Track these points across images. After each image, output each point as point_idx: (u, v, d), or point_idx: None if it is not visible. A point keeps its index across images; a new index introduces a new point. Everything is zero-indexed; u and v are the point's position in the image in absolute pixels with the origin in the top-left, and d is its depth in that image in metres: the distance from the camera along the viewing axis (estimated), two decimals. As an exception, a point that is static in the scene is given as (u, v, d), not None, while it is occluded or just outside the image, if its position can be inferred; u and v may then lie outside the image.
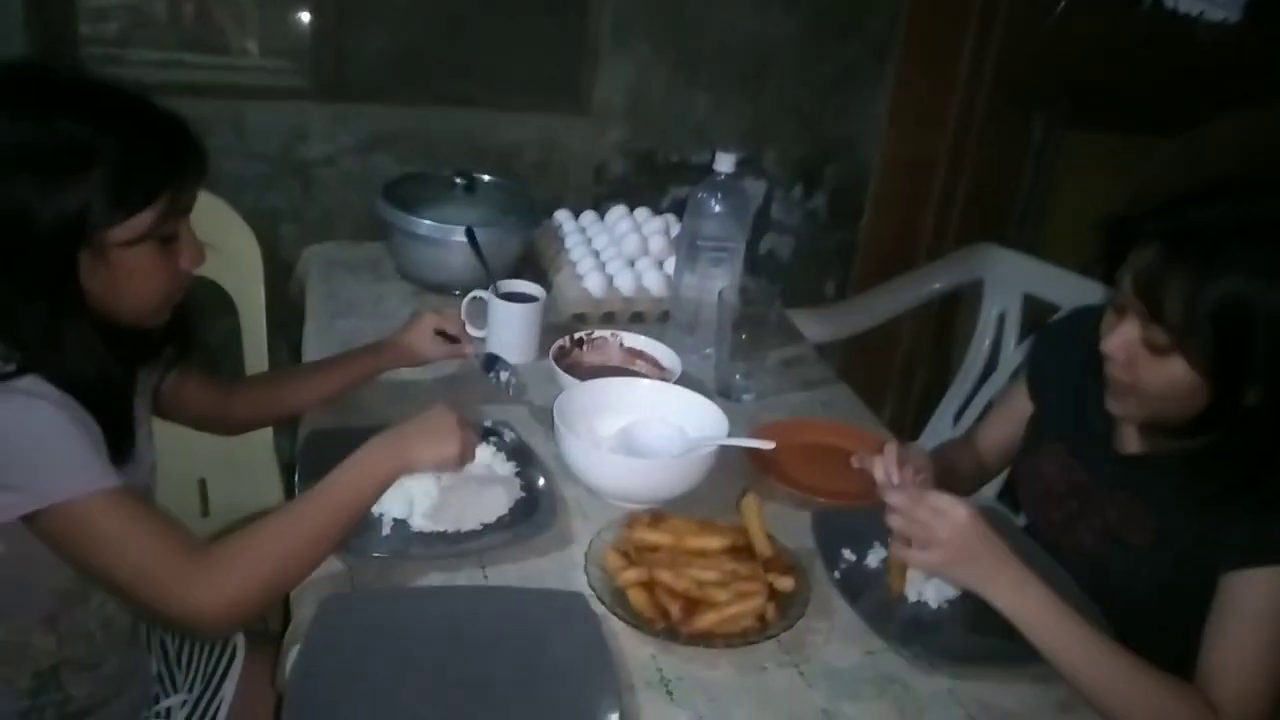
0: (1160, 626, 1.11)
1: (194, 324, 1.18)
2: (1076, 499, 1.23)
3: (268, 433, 1.80)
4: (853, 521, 1.24)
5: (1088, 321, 1.16)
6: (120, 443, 1.00)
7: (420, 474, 1.21)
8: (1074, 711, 1.05)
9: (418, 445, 1.10)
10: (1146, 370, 1.06)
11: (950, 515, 1.06)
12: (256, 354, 1.91)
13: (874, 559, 1.21)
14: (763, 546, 1.15)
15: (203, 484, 1.77)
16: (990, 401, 2.06)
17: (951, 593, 1.15)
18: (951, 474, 1.36)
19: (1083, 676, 1.03)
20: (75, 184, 0.93)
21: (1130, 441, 1.20)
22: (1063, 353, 1.29)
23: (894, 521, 1.09)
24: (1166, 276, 1.00)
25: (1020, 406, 1.37)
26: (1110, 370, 1.10)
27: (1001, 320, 2.21)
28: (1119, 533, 1.18)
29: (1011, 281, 2.19)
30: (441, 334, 1.43)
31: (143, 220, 0.98)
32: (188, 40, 2.13)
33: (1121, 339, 1.06)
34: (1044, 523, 1.29)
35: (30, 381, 0.93)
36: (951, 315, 2.64)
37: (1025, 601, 1.05)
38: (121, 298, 1.01)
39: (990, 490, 1.67)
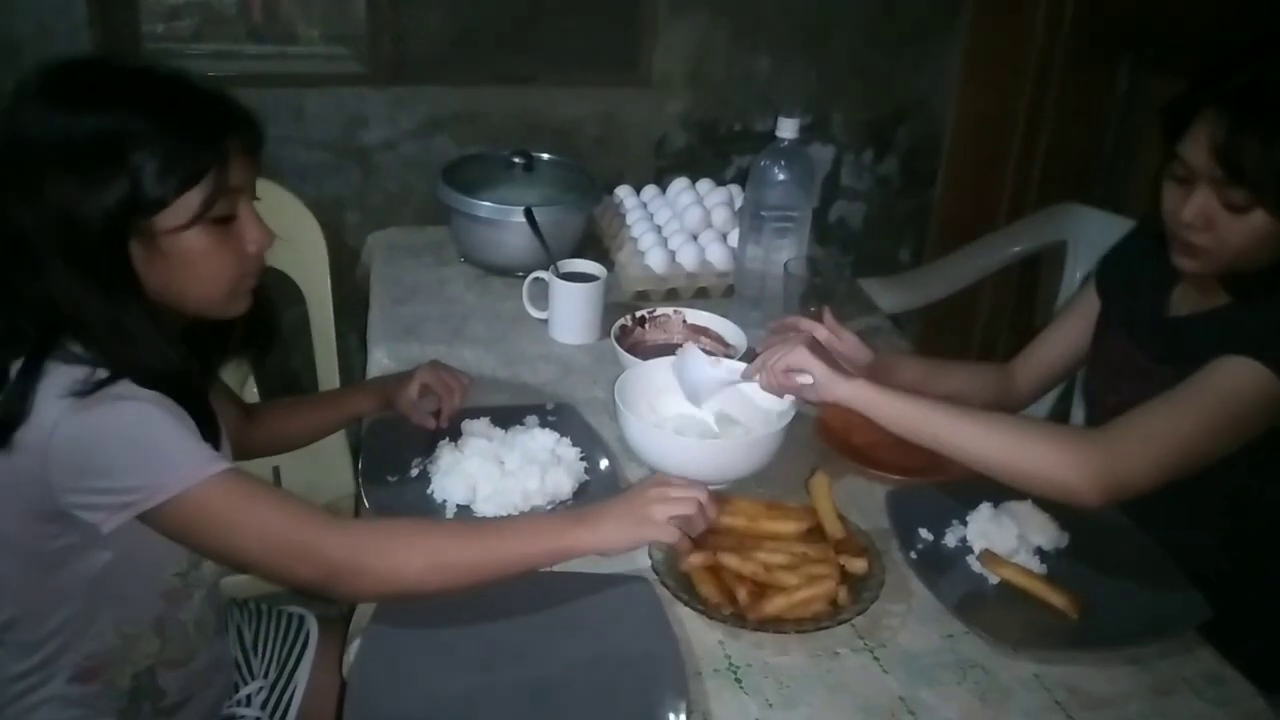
0: (1202, 505, 1.16)
1: (277, 318, 1.16)
2: (1130, 381, 1.24)
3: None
4: (929, 500, 1.20)
5: (1139, 228, 1.31)
6: (208, 432, 0.99)
7: (484, 457, 1.21)
8: (1170, 696, 1.00)
9: (607, 514, 1.01)
10: (1227, 230, 1.09)
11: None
12: (325, 342, 1.92)
13: (952, 538, 1.16)
14: (833, 527, 1.11)
15: (276, 471, 1.80)
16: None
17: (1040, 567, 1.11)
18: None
19: (963, 441, 1.10)
20: (113, 174, 0.91)
21: (1179, 305, 1.24)
22: (1125, 250, 1.37)
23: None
24: (1240, 139, 1.04)
25: (1088, 307, 1.38)
26: (1188, 236, 1.13)
27: (1085, 281, 2.11)
28: None
29: (1097, 242, 2.06)
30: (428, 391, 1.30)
31: (190, 202, 0.94)
32: (254, 32, 2.15)
33: (1198, 207, 1.10)
34: (1100, 410, 1.31)
35: (124, 386, 0.92)
36: (1034, 280, 2.54)
37: (860, 392, 1.13)
38: (182, 287, 0.99)
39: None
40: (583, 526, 1.00)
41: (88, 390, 0.90)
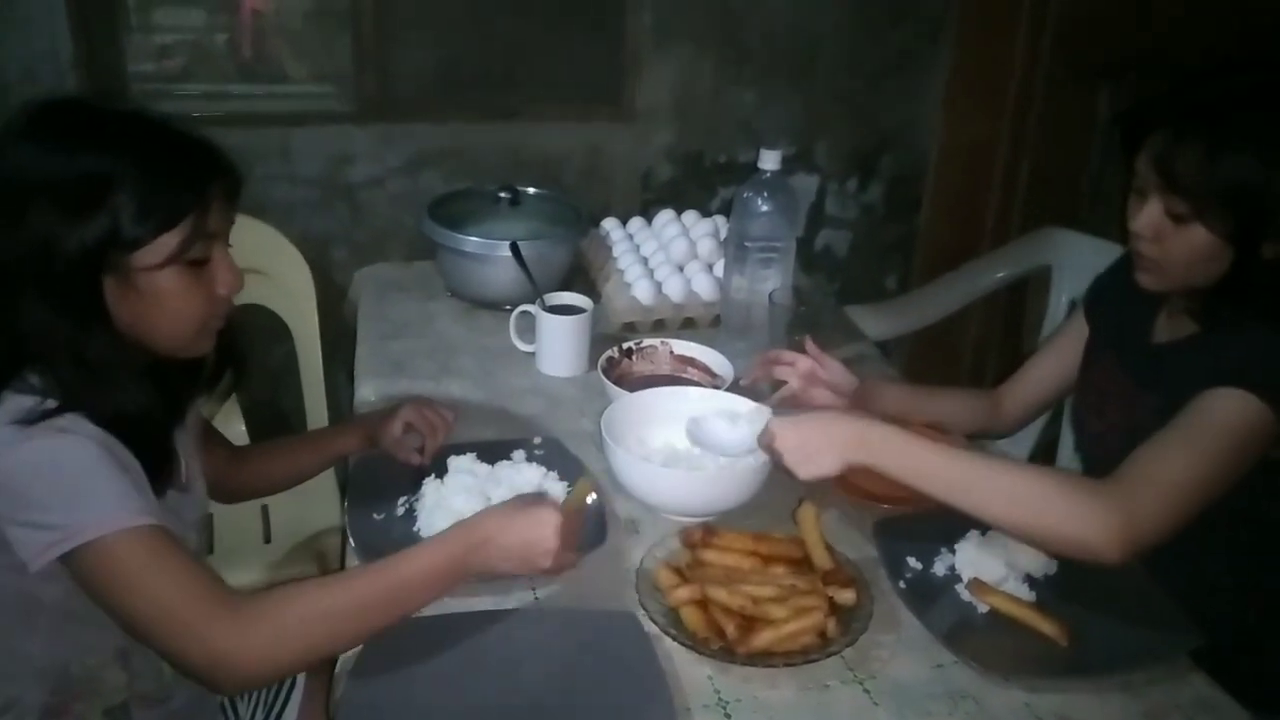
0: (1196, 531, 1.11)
1: (245, 355, 1.17)
2: (1116, 406, 1.24)
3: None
4: (917, 528, 1.19)
5: (1127, 253, 1.23)
6: (160, 473, 0.99)
7: (469, 493, 1.20)
8: (1164, 723, 0.99)
9: (500, 553, 1.02)
10: (1172, 242, 1.11)
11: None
12: (313, 379, 1.92)
13: (940, 567, 1.15)
14: (821, 558, 1.11)
15: (265, 510, 1.79)
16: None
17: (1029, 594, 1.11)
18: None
19: (978, 502, 1.05)
20: (95, 211, 0.92)
21: (1163, 331, 1.24)
22: (1114, 276, 1.36)
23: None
24: (1180, 149, 1.07)
25: (1077, 333, 1.39)
26: (1139, 247, 1.15)
27: (1073, 308, 2.12)
28: (1138, 427, 1.14)
29: (1081, 266, 2.08)
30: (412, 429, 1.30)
31: (168, 243, 0.96)
32: (243, 70, 2.17)
33: (1147, 217, 1.12)
34: (1087, 436, 1.33)
35: (70, 420, 0.92)
36: (1020, 305, 2.55)
37: (882, 446, 1.08)
38: (153, 325, 1.00)
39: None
40: (475, 557, 1.01)
41: (33, 420, 0.90)
